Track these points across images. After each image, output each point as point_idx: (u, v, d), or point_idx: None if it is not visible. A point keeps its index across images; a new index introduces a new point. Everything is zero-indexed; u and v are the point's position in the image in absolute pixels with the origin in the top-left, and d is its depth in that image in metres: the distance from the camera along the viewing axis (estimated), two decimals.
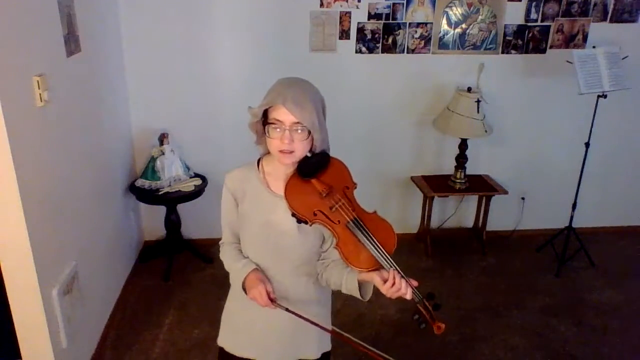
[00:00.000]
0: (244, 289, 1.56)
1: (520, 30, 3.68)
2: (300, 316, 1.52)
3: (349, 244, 1.44)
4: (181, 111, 3.61)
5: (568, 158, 3.90)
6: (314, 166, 1.50)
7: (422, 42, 3.63)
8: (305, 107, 1.42)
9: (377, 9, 3.51)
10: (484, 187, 3.85)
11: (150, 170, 3.46)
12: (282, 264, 1.59)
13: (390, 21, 3.55)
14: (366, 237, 1.44)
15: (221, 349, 1.79)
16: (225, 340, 1.77)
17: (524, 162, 4.04)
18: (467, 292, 3.49)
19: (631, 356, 2.98)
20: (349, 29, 3.54)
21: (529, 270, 3.77)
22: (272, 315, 1.57)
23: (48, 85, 2.19)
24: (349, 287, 1.50)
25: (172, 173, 3.46)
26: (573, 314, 3.31)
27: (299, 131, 1.43)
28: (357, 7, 3.49)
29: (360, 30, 3.55)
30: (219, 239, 1.72)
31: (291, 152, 1.45)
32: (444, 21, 3.60)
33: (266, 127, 1.46)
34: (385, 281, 1.40)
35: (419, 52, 3.66)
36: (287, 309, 1.51)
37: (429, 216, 3.84)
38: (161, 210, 3.63)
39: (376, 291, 1.51)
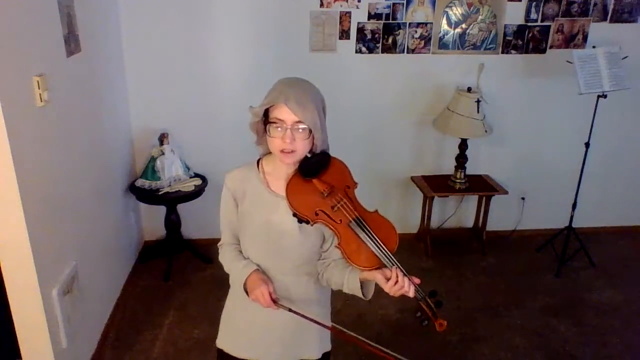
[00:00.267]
0: (246, 290, 1.56)
1: (520, 30, 3.68)
2: (303, 315, 1.52)
3: (351, 243, 1.44)
4: (181, 111, 3.61)
5: (568, 158, 3.90)
6: (315, 166, 1.50)
7: (422, 42, 3.63)
8: (307, 106, 1.42)
9: (377, 9, 3.51)
10: (484, 187, 3.85)
11: (150, 170, 3.46)
12: (283, 264, 1.59)
13: (390, 21, 3.55)
14: (368, 236, 1.44)
15: (220, 351, 1.77)
16: (225, 341, 1.77)
17: (524, 162, 4.04)
18: (467, 292, 3.49)
19: (631, 356, 2.98)
20: (349, 29, 3.54)
21: (529, 270, 3.77)
22: (273, 316, 1.57)
23: (48, 85, 2.19)
24: (351, 286, 1.50)
25: (172, 173, 3.46)
26: (573, 314, 3.31)
27: (300, 130, 1.43)
28: (357, 7, 3.49)
29: (360, 30, 3.55)
30: (219, 239, 1.72)
31: (292, 151, 1.44)
32: (444, 21, 3.60)
33: (267, 126, 1.46)
34: (388, 279, 1.41)
35: (419, 52, 3.66)
36: (289, 309, 1.51)
37: (429, 216, 3.84)
38: (161, 210, 3.63)
39: (376, 291, 1.51)
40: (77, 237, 2.59)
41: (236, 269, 1.61)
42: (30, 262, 2.09)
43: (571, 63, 3.33)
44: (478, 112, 3.55)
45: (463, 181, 3.79)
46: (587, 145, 3.54)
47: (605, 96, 3.40)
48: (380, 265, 1.44)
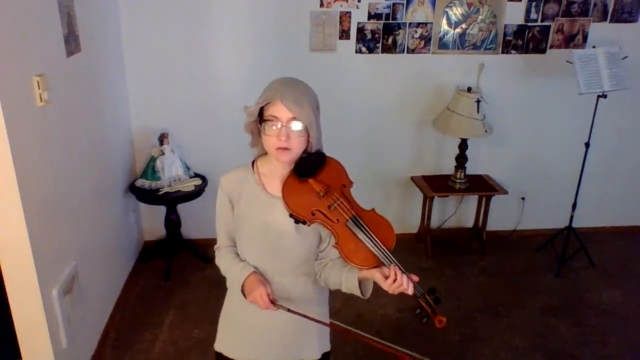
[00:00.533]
0: (243, 293, 1.55)
1: (520, 30, 3.68)
2: (302, 315, 1.52)
3: (348, 243, 1.44)
4: (181, 111, 3.61)
5: (568, 158, 3.90)
6: (311, 166, 1.49)
7: (422, 42, 3.63)
8: (303, 104, 1.42)
9: (377, 9, 3.51)
10: (484, 187, 3.85)
11: (150, 170, 3.46)
12: (281, 264, 1.58)
13: (390, 21, 3.55)
14: (366, 234, 1.44)
15: (219, 355, 1.76)
16: (224, 344, 1.75)
17: (524, 162, 4.04)
18: (467, 292, 3.49)
19: (631, 356, 2.98)
20: (349, 29, 3.54)
21: (529, 270, 3.77)
22: (273, 317, 1.56)
23: (48, 85, 2.19)
24: (349, 285, 1.50)
25: (172, 173, 3.46)
26: (573, 314, 3.31)
27: (296, 128, 1.42)
28: (357, 7, 3.49)
29: (360, 30, 3.55)
30: None
31: (288, 149, 1.44)
32: (444, 21, 3.60)
33: (262, 124, 1.45)
34: (386, 278, 1.40)
35: (419, 52, 3.66)
36: (288, 309, 1.51)
37: (429, 216, 3.84)
38: (161, 210, 3.63)
39: (375, 291, 1.51)
40: (77, 237, 2.59)
41: (233, 272, 1.60)
42: (30, 262, 2.09)
43: (571, 63, 3.33)
44: (478, 112, 3.55)
45: (463, 181, 3.79)
46: (587, 145, 3.54)
47: (605, 96, 3.40)
48: (379, 264, 1.44)
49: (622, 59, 3.40)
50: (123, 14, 3.36)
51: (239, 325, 1.71)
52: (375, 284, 1.47)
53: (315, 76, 3.58)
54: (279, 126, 1.42)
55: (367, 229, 1.44)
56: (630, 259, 3.96)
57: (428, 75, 3.73)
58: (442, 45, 3.66)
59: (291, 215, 1.47)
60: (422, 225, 4.04)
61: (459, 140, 3.75)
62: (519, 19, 3.65)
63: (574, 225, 3.75)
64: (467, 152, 3.76)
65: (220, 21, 3.45)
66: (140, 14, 3.37)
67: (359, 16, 3.52)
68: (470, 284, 3.59)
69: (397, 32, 3.59)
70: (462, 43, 3.66)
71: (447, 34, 3.63)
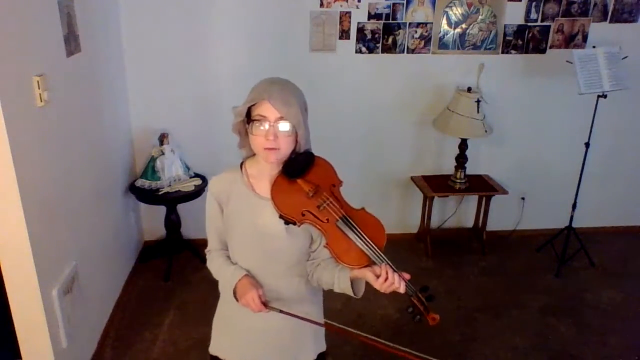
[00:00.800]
0: (235, 297, 1.54)
1: (520, 30, 3.68)
2: (294, 315, 1.51)
3: (339, 242, 1.43)
4: (181, 111, 3.61)
5: (568, 158, 3.90)
6: (299, 166, 1.48)
7: (422, 42, 3.63)
8: (291, 103, 1.41)
9: (377, 9, 3.51)
10: (484, 187, 3.85)
11: (150, 170, 3.46)
12: (273, 266, 1.57)
13: (390, 21, 3.55)
14: (356, 233, 1.43)
15: (214, 358, 1.76)
16: (219, 347, 1.74)
17: (524, 162, 4.04)
18: (467, 292, 3.49)
19: (631, 356, 2.98)
20: (349, 29, 3.54)
21: (529, 270, 3.77)
22: (267, 320, 1.55)
23: (48, 85, 2.19)
24: (342, 285, 1.49)
25: (172, 173, 3.46)
26: (573, 314, 3.31)
27: (283, 127, 1.41)
28: (357, 7, 3.49)
29: (360, 30, 3.55)
30: None
31: (276, 149, 1.43)
32: (444, 21, 3.60)
33: (250, 125, 1.44)
34: (378, 277, 1.39)
35: (419, 52, 3.66)
36: (280, 311, 1.49)
37: (429, 216, 3.84)
38: (161, 210, 3.63)
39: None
40: (77, 237, 2.59)
41: (225, 275, 1.59)
42: (30, 262, 2.09)
43: (571, 63, 3.33)
44: (478, 112, 3.55)
45: (463, 181, 3.79)
46: (587, 145, 3.54)
47: (605, 96, 3.40)
48: (370, 263, 1.43)
49: (622, 59, 3.40)
50: (123, 14, 3.36)
51: (234, 328, 1.69)
52: (368, 284, 1.46)
53: (315, 76, 3.63)
54: (267, 126, 1.41)
55: (357, 228, 1.43)
56: (630, 259, 3.96)
57: (428, 75, 3.73)
58: (442, 45, 3.66)
59: (281, 217, 1.46)
60: (422, 225, 4.04)
61: (459, 140, 3.75)
62: (519, 19, 3.65)
63: (574, 225, 3.75)
64: (467, 152, 3.76)
65: (220, 21, 3.45)
66: (140, 14, 3.37)
67: (359, 16, 3.52)
68: (470, 284, 3.59)
69: (397, 32, 3.59)
70: (462, 43, 3.66)
71: (447, 34, 3.63)
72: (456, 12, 3.59)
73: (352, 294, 1.49)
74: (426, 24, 3.59)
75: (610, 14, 3.69)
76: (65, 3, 2.43)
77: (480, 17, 3.61)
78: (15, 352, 2.28)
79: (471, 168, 3.86)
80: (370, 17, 3.52)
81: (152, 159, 3.48)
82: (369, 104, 3.76)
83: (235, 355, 1.72)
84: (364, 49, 3.60)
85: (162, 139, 3.48)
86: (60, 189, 2.39)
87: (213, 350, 1.77)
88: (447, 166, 3.93)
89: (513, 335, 3.10)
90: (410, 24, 3.57)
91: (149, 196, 3.43)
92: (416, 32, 3.60)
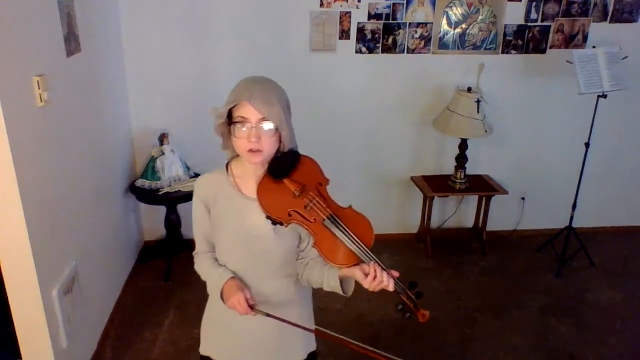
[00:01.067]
0: (223, 299, 1.53)
1: (520, 30, 3.68)
2: (281, 319, 1.50)
3: (327, 242, 1.42)
4: (181, 111, 3.61)
5: (568, 158, 3.90)
6: (285, 165, 1.47)
7: (422, 42, 3.63)
8: (272, 103, 1.39)
9: (377, 9, 3.51)
10: (484, 187, 3.85)
11: (150, 170, 3.46)
12: (261, 267, 1.56)
13: (390, 21, 3.55)
14: (343, 232, 1.41)
15: (205, 358, 1.75)
16: (210, 348, 1.74)
17: (524, 162, 4.04)
18: (467, 292, 3.49)
19: (631, 356, 2.98)
20: (349, 29, 3.54)
21: (529, 270, 3.77)
22: (257, 320, 1.53)
23: (48, 85, 2.19)
24: (331, 284, 1.48)
25: (172, 173, 3.47)
26: (573, 314, 3.31)
27: (266, 128, 1.40)
28: (357, 7, 3.49)
29: (360, 30, 3.55)
30: None
31: (259, 150, 1.41)
32: (444, 21, 3.60)
33: (232, 126, 1.43)
34: (366, 275, 1.38)
35: (419, 52, 3.66)
36: (267, 314, 1.48)
37: (429, 216, 3.84)
38: (161, 210, 3.63)
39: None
40: (77, 237, 2.59)
41: (212, 278, 1.58)
42: (30, 262, 2.09)
43: (571, 63, 3.33)
44: (478, 112, 3.55)
45: (463, 181, 3.79)
46: (587, 145, 3.54)
47: (605, 96, 3.40)
48: (358, 262, 1.42)
49: (622, 59, 3.41)
50: (123, 13, 3.36)
51: (223, 329, 1.69)
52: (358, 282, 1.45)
53: (315, 76, 3.63)
54: (249, 127, 1.39)
55: (344, 227, 1.42)
56: (630, 259, 3.96)
57: (428, 75, 3.73)
58: (442, 45, 3.66)
59: (268, 217, 1.45)
60: (422, 225, 4.04)
61: (459, 140, 3.75)
62: (519, 19, 3.65)
63: (574, 225, 3.75)
64: (467, 152, 3.76)
65: (220, 21, 3.45)
66: (140, 14, 3.37)
67: (359, 16, 3.52)
68: (470, 284, 3.59)
69: (397, 32, 3.59)
70: (462, 43, 3.66)
71: (447, 34, 3.63)
72: (456, 12, 3.59)
73: (341, 293, 1.48)
74: (426, 24, 3.59)
75: (610, 14, 3.69)
76: (65, 3, 2.43)
77: (480, 17, 3.61)
78: (15, 352, 2.28)
79: (471, 168, 3.86)
80: (370, 17, 3.52)
81: (152, 159, 3.48)
82: (368, 104, 3.76)
83: (224, 356, 1.71)
84: (364, 49, 3.60)
85: (162, 139, 3.48)
86: (60, 189, 2.39)
87: (203, 350, 1.76)
88: (447, 166, 3.93)
89: (513, 335, 3.10)
90: (410, 24, 3.57)
91: (149, 196, 3.43)
92: (416, 32, 3.60)
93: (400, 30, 3.58)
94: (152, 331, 3.04)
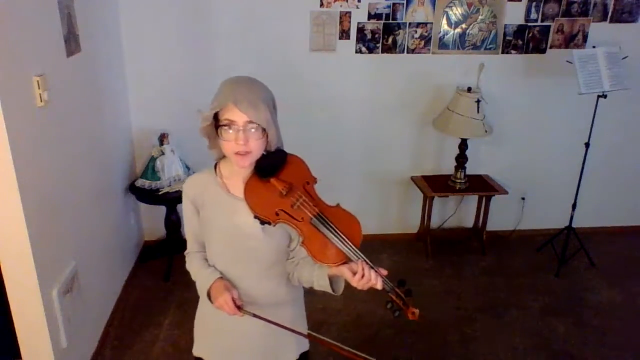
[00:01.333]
0: (210, 299, 1.53)
1: (520, 30, 3.68)
2: (269, 321, 1.49)
3: (314, 241, 1.41)
4: (181, 111, 3.61)
5: (568, 158, 3.90)
6: (272, 165, 1.47)
7: (422, 42, 3.63)
8: (258, 105, 1.39)
9: (377, 9, 3.51)
10: (484, 187, 3.85)
11: (150, 170, 3.46)
12: (251, 267, 1.56)
13: (390, 21, 3.55)
14: (331, 231, 1.41)
15: (198, 359, 1.75)
16: (203, 349, 1.74)
17: (524, 162, 4.04)
18: (467, 292, 3.49)
19: (631, 356, 2.98)
20: (349, 29, 3.54)
21: (529, 270, 3.77)
22: (247, 320, 1.54)
23: (48, 85, 2.19)
24: (321, 283, 1.48)
25: (172, 173, 3.47)
26: (573, 314, 3.31)
27: (253, 130, 1.39)
28: (357, 7, 3.49)
29: (360, 30, 3.55)
30: None
31: (247, 153, 1.41)
32: (444, 21, 3.60)
33: (219, 129, 1.42)
34: (354, 274, 1.38)
35: (419, 52, 3.66)
36: (254, 315, 1.48)
37: (429, 216, 3.84)
38: (161, 210, 3.63)
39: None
40: (77, 237, 2.59)
41: (201, 278, 1.58)
42: (30, 262, 2.10)
43: (571, 63, 3.33)
44: (478, 112, 3.55)
45: (463, 181, 3.79)
46: (587, 145, 3.54)
47: (605, 96, 3.40)
48: (346, 260, 1.41)
49: (622, 59, 3.41)
50: (123, 13, 3.36)
51: (214, 330, 1.69)
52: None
53: (315, 76, 3.63)
54: (236, 130, 1.39)
55: (332, 225, 1.41)
56: (630, 259, 3.96)
57: (428, 75, 3.73)
58: (442, 45, 3.66)
59: (256, 217, 1.45)
60: (422, 225, 4.04)
61: (459, 140, 3.75)
62: (519, 19, 3.65)
63: (574, 225, 3.75)
64: (467, 152, 3.76)
65: (220, 21, 3.45)
66: (140, 14, 3.37)
67: (359, 16, 3.52)
68: (470, 284, 3.59)
69: (397, 32, 3.59)
70: (462, 43, 3.66)
71: (447, 34, 3.63)
72: (456, 12, 3.59)
73: (331, 292, 1.48)
74: (426, 24, 3.59)
75: (610, 14, 3.69)
76: (65, 3, 2.43)
77: (480, 17, 3.61)
78: (15, 352, 2.28)
79: (471, 168, 3.86)
80: (370, 17, 3.52)
81: (152, 159, 3.48)
82: (368, 104, 3.76)
83: (216, 356, 1.71)
84: (364, 49, 3.60)
85: (162, 139, 3.48)
86: (60, 189, 2.39)
87: (196, 351, 1.76)
88: (447, 166, 3.93)
89: (513, 335, 3.10)
90: (410, 24, 3.57)
91: (149, 196, 3.43)
92: (416, 32, 3.60)
93: (400, 30, 3.58)
94: (152, 331, 3.04)
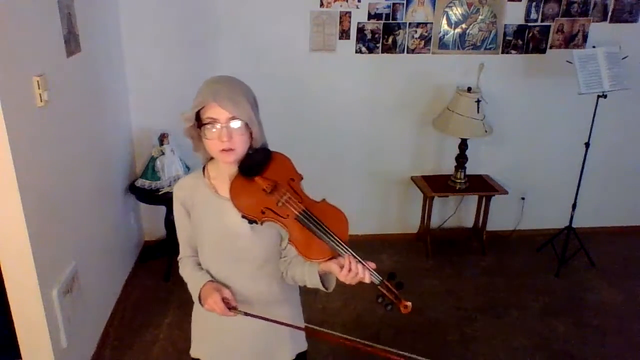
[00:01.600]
0: (201, 303, 1.54)
1: (520, 30, 3.68)
2: (261, 317, 1.49)
3: (301, 237, 1.41)
4: (181, 111, 3.60)
5: (568, 158, 3.90)
6: (256, 163, 1.47)
7: (422, 42, 3.63)
8: (239, 101, 1.40)
9: (377, 9, 3.51)
10: (484, 187, 3.85)
11: (150, 170, 3.46)
12: (242, 267, 1.56)
13: (390, 21, 3.55)
14: (317, 227, 1.40)
15: None
16: (200, 350, 1.75)
17: (524, 162, 4.04)
18: (467, 292, 3.49)
19: (631, 356, 2.98)
20: (349, 29, 3.54)
21: (529, 270, 3.77)
22: (241, 322, 1.54)
23: (48, 85, 2.19)
24: (313, 281, 1.48)
25: (172, 173, 3.46)
26: (573, 314, 3.31)
27: (236, 126, 1.40)
28: (357, 7, 3.49)
29: (360, 30, 3.55)
30: None
31: (232, 149, 1.42)
32: (444, 21, 3.60)
33: (202, 129, 1.43)
34: (342, 268, 1.38)
35: (419, 52, 3.66)
36: (245, 313, 1.48)
37: (429, 216, 3.84)
38: (161, 210, 3.63)
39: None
40: (77, 237, 2.59)
41: (192, 282, 1.59)
42: (30, 262, 2.10)
43: (571, 63, 3.33)
44: (478, 112, 3.55)
45: (463, 181, 3.79)
46: (587, 145, 3.54)
47: (605, 96, 3.40)
48: (334, 255, 1.40)
49: (622, 59, 3.40)
50: (123, 13, 3.36)
51: (210, 331, 1.69)
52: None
53: (315, 76, 3.63)
54: (219, 127, 1.40)
55: (318, 221, 1.41)
56: (630, 259, 3.96)
57: (428, 75, 3.73)
58: (442, 45, 3.66)
59: (243, 216, 1.45)
60: (422, 225, 4.04)
61: (459, 140, 3.75)
62: (519, 19, 3.65)
63: (574, 225, 3.75)
64: (467, 152, 3.76)
65: (220, 21, 3.45)
66: (140, 14, 3.37)
67: (359, 16, 3.52)
68: (470, 284, 3.59)
69: (397, 32, 3.59)
70: (462, 43, 3.66)
71: (447, 34, 3.63)
72: (456, 12, 3.59)
73: (322, 288, 1.48)
74: (426, 24, 3.59)
75: (610, 14, 3.69)
76: (65, 3, 2.43)
77: (480, 17, 3.61)
78: (15, 352, 2.28)
79: (471, 168, 3.86)
80: (370, 17, 3.52)
81: (152, 159, 3.48)
82: (369, 104, 3.76)
83: (213, 357, 1.71)
84: (364, 49, 3.60)
85: (162, 139, 3.48)
86: (60, 189, 2.39)
87: (194, 352, 1.77)
88: (447, 166, 3.93)
89: (513, 335, 3.10)
90: (410, 24, 3.57)
91: (149, 196, 3.43)
92: (416, 32, 3.60)
93: (400, 30, 3.58)
94: (152, 331, 3.04)
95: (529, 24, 3.67)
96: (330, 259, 1.40)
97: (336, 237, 1.40)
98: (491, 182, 3.90)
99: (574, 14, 3.67)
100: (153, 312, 3.20)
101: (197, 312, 1.73)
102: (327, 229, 1.40)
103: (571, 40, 3.73)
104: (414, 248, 3.98)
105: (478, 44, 3.68)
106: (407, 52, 3.64)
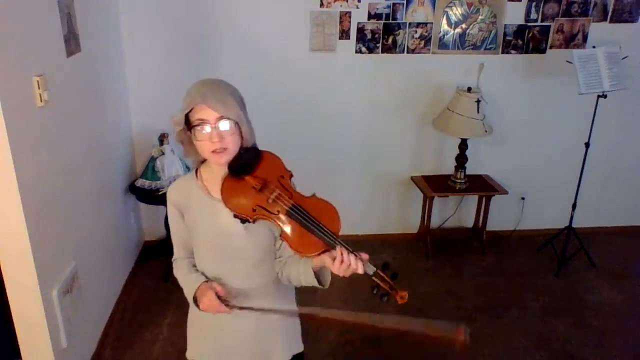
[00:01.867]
0: (197, 305, 1.54)
1: (520, 30, 3.68)
2: (257, 309, 1.51)
3: (292, 232, 1.42)
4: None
5: (568, 158, 3.90)
6: (245, 163, 1.48)
7: (422, 42, 3.63)
8: (227, 101, 1.41)
9: (377, 9, 3.51)
10: (484, 187, 3.85)
11: (150, 170, 3.46)
12: (237, 267, 1.57)
13: (390, 21, 3.55)
14: (308, 221, 1.41)
15: None
16: (196, 352, 1.75)
17: (524, 162, 4.04)
18: (467, 292, 3.49)
19: (631, 356, 2.98)
20: (349, 29, 3.54)
21: (529, 270, 3.77)
22: (237, 324, 1.54)
23: (48, 85, 2.19)
24: (308, 279, 1.48)
25: (172, 173, 3.47)
26: (573, 314, 3.31)
27: (227, 127, 1.41)
28: (357, 7, 3.49)
29: (360, 30, 3.55)
30: None
31: (224, 149, 1.43)
32: (444, 21, 3.60)
33: (192, 131, 1.43)
34: (335, 260, 1.38)
35: (419, 52, 3.66)
36: (241, 308, 1.49)
37: (429, 216, 3.84)
38: (161, 210, 3.62)
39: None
40: (77, 237, 2.59)
41: (187, 284, 1.60)
42: (30, 262, 2.09)
43: (571, 63, 3.33)
44: (478, 112, 3.54)
45: (463, 181, 3.79)
46: (587, 145, 3.54)
47: (605, 96, 3.40)
48: (327, 249, 1.40)
49: (622, 59, 3.41)
50: (123, 14, 3.36)
51: (205, 333, 1.70)
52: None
53: (315, 76, 3.63)
54: (209, 129, 1.40)
55: (308, 215, 1.41)
56: (630, 259, 3.96)
57: (428, 75, 3.73)
58: (442, 45, 3.66)
59: (235, 216, 1.46)
60: (422, 225, 4.04)
61: (459, 140, 3.75)
62: (519, 19, 3.65)
63: (574, 225, 3.75)
64: (467, 152, 3.76)
65: (220, 21, 3.45)
66: (140, 14, 3.37)
67: (359, 16, 3.52)
68: (470, 284, 3.59)
69: (397, 32, 3.59)
70: (462, 43, 3.66)
71: (447, 34, 3.63)
72: (456, 12, 3.59)
73: (318, 285, 1.48)
74: (426, 24, 3.59)
75: (610, 14, 3.69)
76: (65, 3, 2.43)
77: (480, 17, 3.61)
78: (15, 352, 2.28)
79: (471, 168, 3.86)
80: (370, 17, 3.52)
81: (152, 159, 3.48)
82: (369, 104, 3.76)
83: (209, 358, 1.72)
84: (364, 49, 3.60)
85: (162, 139, 3.48)
86: (60, 188, 2.39)
87: (189, 354, 1.77)
88: (447, 166, 3.93)
89: (513, 335, 3.10)
90: (410, 24, 3.57)
91: (149, 196, 3.43)
92: (416, 32, 3.60)
93: (400, 30, 3.58)
94: (152, 331, 3.04)
95: (529, 24, 3.67)
96: (323, 252, 1.41)
97: (327, 230, 1.40)
98: (491, 182, 3.90)
99: (574, 14, 3.67)
100: (153, 312, 3.20)
101: (193, 314, 1.73)
102: (317, 222, 1.40)
103: (571, 40, 3.73)
104: (414, 248, 3.98)
105: (478, 44, 3.68)
106: (407, 52, 3.64)
